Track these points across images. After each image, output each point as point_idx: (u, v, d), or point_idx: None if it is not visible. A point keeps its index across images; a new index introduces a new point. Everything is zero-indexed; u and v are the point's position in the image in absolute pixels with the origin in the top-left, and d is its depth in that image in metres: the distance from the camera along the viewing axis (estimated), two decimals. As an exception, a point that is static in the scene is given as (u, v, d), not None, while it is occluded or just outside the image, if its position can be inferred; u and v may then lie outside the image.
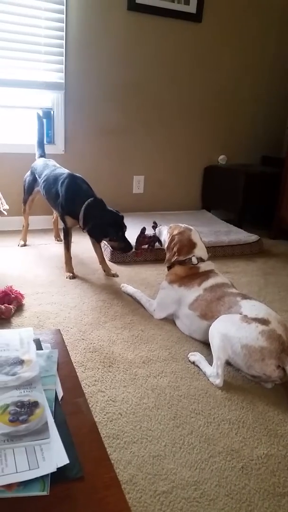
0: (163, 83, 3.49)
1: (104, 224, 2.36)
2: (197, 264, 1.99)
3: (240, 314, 1.67)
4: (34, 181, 2.75)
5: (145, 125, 3.54)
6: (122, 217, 2.42)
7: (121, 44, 3.24)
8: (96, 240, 2.50)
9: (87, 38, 3.12)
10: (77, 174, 2.47)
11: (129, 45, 3.26)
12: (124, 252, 2.51)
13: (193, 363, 1.74)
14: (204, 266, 2.00)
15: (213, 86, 3.69)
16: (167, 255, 2.06)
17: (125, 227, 2.42)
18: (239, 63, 3.72)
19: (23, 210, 2.90)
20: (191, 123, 3.72)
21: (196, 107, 3.69)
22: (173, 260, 2.02)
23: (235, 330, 1.60)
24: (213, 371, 1.63)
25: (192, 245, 2.03)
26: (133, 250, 2.37)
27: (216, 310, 1.78)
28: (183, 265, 2.01)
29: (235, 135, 3.95)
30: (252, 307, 1.70)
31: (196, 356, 1.74)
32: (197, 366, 1.72)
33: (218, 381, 1.60)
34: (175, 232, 2.07)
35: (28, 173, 2.81)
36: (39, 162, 2.76)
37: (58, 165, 2.67)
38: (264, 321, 1.60)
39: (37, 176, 2.70)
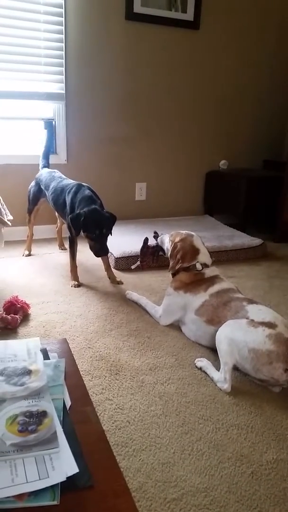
0: (163, 91, 3.52)
1: (83, 216, 2.26)
2: (201, 270, 1.99)
3: (247, 318, 1.67)
4: (39, 191, 2.77)
5: (146, 133, 3.56)
6: (108, 218, 2.33)
7: (120, 53, 3.27)
8: (72, 231, 2.37)
9: (86, 49, 3.16)
10: (84, 184, 2.49)
11: (128, 54, 3.30)
12: (96, 256, 2.40)
13: (200, 369, 1.73)
14: (209, 272, 2.00)
15: (213, 92, 3.71)
16: (171, 263, 2.07)
17: (107, 230, 2.33)
18: (238, 68, 3.74)
19: (27, 220, 2.92)
20: (191, 129, 3.74)
21: (196, 113, 3.71)
22: (177, 267, 2.02)
23: (242, 335, 1.60)
24: (221, 376, 1.62)
25: (195, 251, 2.03)
26: (138, 263, 2.35)
27: (222, 315, 1.78)
28: (188, 272, 2.01)
29: (236, 140, 3.97)
30: (258, 311, 1.70)
31: (203, 362, 1.74)
32: (204, 372, 1.72)
33: (226, 386, 1.60)
34: (177, 239, 2.07)
35: (33, 183, 2.83)
36: (44, 173, 2.78)
37: (64, 176, 2.69)
38: (271, 325, 1.60)
39: (43, 187, 2.71)
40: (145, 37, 3.30)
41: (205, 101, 3.71)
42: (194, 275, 1.99)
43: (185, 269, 2.02)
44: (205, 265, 2.02)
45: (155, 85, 3.47)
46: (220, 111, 3.80)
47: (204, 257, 2.04)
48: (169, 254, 2.11)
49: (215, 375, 1.66)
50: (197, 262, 2.01)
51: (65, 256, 2.72)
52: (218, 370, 1.66)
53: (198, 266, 2.00)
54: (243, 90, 3.84)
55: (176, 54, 3.45)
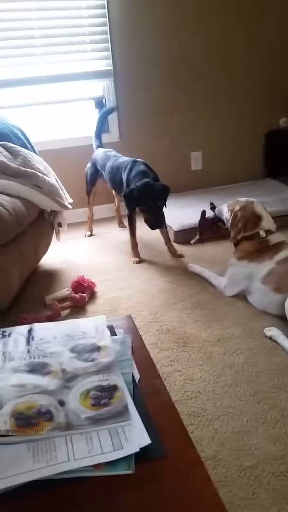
0: (210, 51, 3.34)
1: (136, 190, 2.29)
2: (265, 237, 1.92)
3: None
4: (96, 172, 2.81)
5: (197, 99, 3.44)
6: (161, 190, 2.33)
7: (163, 20, 3.14)
8: (127, 208, 2.45)
9: (130, 20, 3.07)
10: (138, 160, 2.48)
11: (172, 20, 3.16)
12: (152, 228, 2.39)
13: (270, 338, 1.70)
14: (274, 239, 1.93)
15: (266, 44, 3.46)
16: (232, 233, 2.01)
17: (161, 201, 2.33)
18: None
19: (87, 201, 2.98)
20: (245, 89, 3.54)
21: (250, 70, 3.49)
22: (239, 237, 1.97)
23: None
24: (292, 345, 1.58)
25: (257, 218, 1.96)
26: (198, 237, 2.32)
27: (291, 282, 1.72)
28: (251, 240, 1.95)
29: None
30: None
31: (273, 331, 1.70)
32: (274, 340, 1.68)
33: (297, 355, 1.56)
34: (237, 208, 2.01)
35: (89, 164, 2.87)
36: (99, 153, 2.80)
37: (119, 154, 2.70)
38: None
39: (99, 168, 2.75)
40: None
41: (258, 56, 3.47)
42: (258, 243, 1.93)
43: (248, 238, 1.96)
44: (269, 232, 1.94)
45: (202, 46, 3.30)
46: (275, 64, 3.54)
47: (267, 223, 1.97)
48: (229, 224, 2.05)
49: (287, 343, 1.61)
50: (261, 229, 1.94)
51: (125, 234, 2.75)
52: (289, 339, 1.62)
53: (262, 234, 1.93)
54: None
55: (221, 8, 3.24)
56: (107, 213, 3.34)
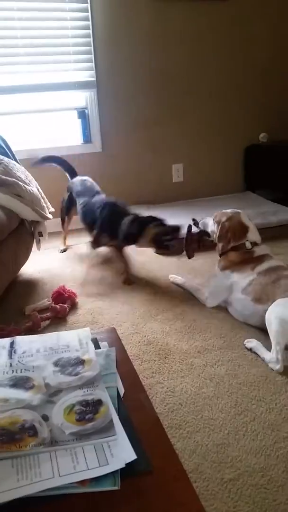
0: (194, 67, 3.41)
1: (141, 218, 2.29)
2: (251, 248, 1.96)
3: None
4: (71, 202, 2.74)
5: (179, 112, 3.49)
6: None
7: (147, 34, 3.19)
8: (132, 238, 2.30)
9: (114, 33, 3.11)
10: (111, 201, 2.45)
11: (156, 34, 3.21)
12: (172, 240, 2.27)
13: (250, 349, 1.72)
14: (258, 251, 1.96)
15: (247, 63, 3.55)
16: (220, 245, 2.03)
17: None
18: (274, 36, 3.55)
19: (61, 225, 2.90)
20: (226, 105, 3.62)
21: (230, 87, 3.58)
22: (229, 247, 1.99)
23: (293, 314, 1.57)
24: (272, 357, 1.60)
25: (244, 229, 2.00)
26: (184, 253, 2.29)
27: (271, 294, 1.74)
28: (237, 251, 1.98)
29: (274, 111, 3.80)
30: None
31: (253, 343, 1.72)
32: (254, 352, 1.70)
33: (278, 367, 1.58)
34: (224, 219, 2.03)
35: (66, 194, 2.80)
36: (76, 182, 2.74)
37: (95, 187, 2.65)
38: None
39: (74, 195, 2.69)
40: (171, 14, 3.19)
41: (239, 74, 3.56)
42: (243, 254, 1.96)
43: (234, 248, 1.99)
44: (254, 244, 1.98)
45: (185, 63, 3.37)
46: (255, 82, 3.64)
47: (253, 235, 2.00)
48: (215, 236, 2.07)
49: (267, 355, 1.64)
50: (247, 240, 1.97)
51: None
52: (269, 350, 1.64)
53: (248, 245, 1.96)
54: (278, 57, 3.64)
55: (205, 28, 3.32)
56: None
